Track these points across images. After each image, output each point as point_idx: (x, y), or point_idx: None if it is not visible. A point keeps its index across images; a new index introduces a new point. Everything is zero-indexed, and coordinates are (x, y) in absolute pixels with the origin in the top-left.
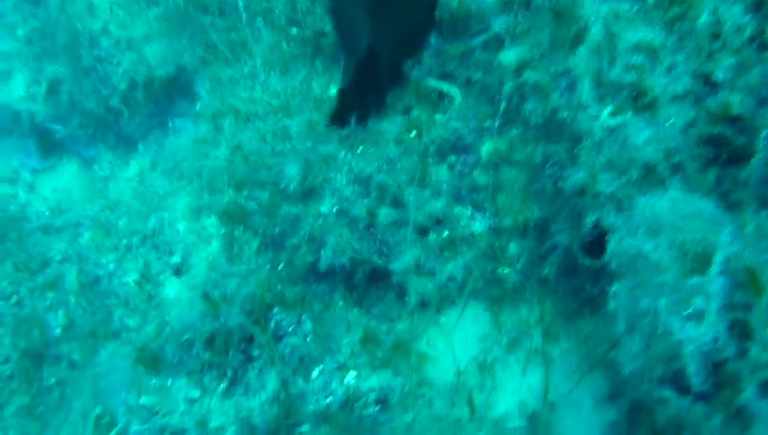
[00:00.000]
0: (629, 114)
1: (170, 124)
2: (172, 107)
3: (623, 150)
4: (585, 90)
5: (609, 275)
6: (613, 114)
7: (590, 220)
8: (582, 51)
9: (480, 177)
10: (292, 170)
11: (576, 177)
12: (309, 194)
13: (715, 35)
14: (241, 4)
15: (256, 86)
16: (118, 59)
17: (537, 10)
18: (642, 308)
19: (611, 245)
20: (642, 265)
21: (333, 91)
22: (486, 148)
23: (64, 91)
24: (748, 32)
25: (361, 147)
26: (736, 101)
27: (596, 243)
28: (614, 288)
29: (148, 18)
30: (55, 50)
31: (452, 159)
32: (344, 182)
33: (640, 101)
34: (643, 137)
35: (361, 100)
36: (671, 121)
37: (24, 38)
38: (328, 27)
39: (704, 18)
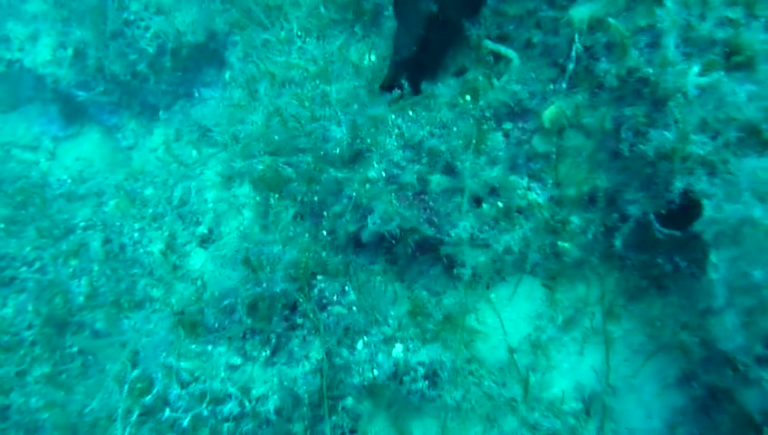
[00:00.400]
0: (722, 73)
1: (196, 94)
2: (200, 75)
3: (719, 110)
4: (671, 46)
5: (699, 245)
6: (703, 72)
7: (678, 186)
8: (669, 3)
9: (540, 144)
10: (339, 133)
11: (660, 140)
12: (355, 158)
13: None
14: None
15: (293, 51)
16: (147, 23)
17: None
18: (747, 281)
19: (707, 212)
20: (749, 233)
21: (373, 57)
22: (549, 113)
23: (91, 55)
24: None
25: (412, 110)
26: None
27: (677, 212)
28: (713, 259)
29: None
30: (83, 12)
31: (508, 125)
32: (394, 146)
33: (734, 58)
34: (743, 94)
35: (419, 66)
36: None
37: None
38: None
39: None
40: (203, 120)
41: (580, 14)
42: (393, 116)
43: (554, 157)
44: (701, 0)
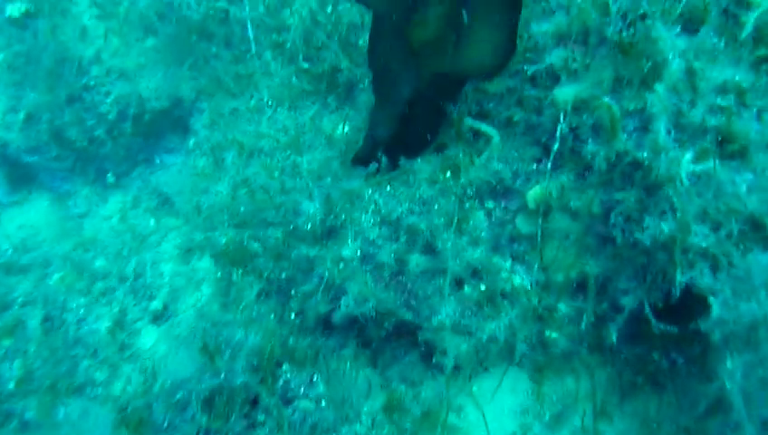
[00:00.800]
0: (716, 161)
1: (158, 160)
2: (162, 142)
3: (719, 200)
4: (662, 132)
5: (697, 341)
6: (696, 159)
7: (680, 280)
8: (660, 88)
9: (524, 225)
10: (311, 208)
11: (657, 228)
12: (328, 235)
13: None
14: (251, 35)
15: (263, 121)
16: (108, 88)
17: (598, 44)
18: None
19: (715, 311)
20: (766, 336)
21: (347, 129)
22: (533, 193)
23: (45, 120)
24: None
25: (390, 185)
26: None
27: (674, 305)
28: (729, 365)
29: (145, 47)
30: (39, 76)
31: (491, 204)
32: (370, 223)
33: (728, 146)
34: (744, 185)
35: (399, 144)
36: None
37: (5, 63)
38: (344, 63)
39: None
40: (163, 187)
41: (564, 94)
42: (370, 191)
43: (539, 239)
44: (690, 87)
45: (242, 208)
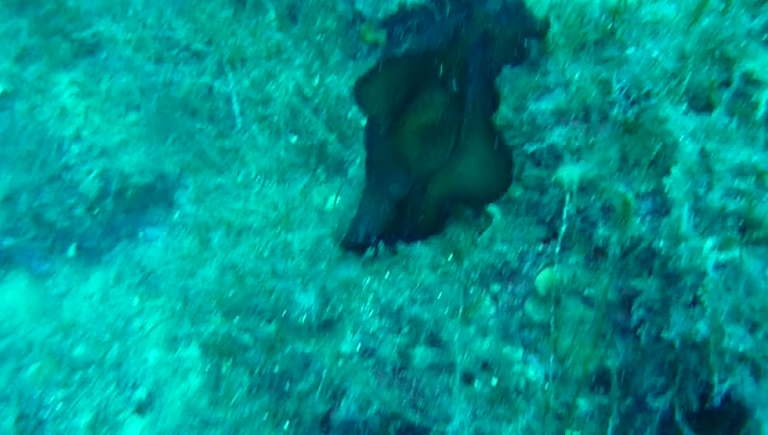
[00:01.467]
0: (741, 249)
1: (141, 235)
2: (145, 216)
3: (752, 297)
4: (680, 217)
5: None
6: (719, 248)
7: (719, 389)
8: (674, 171)
9: (535, 312)
10: (307, 300)
11: (686, 327)
12: (325, 327)
13: None
14: (236, 109)
15: (251, 196)
16: (89, 166)
17: (601, 122)
18: None
19: (765, 430)
20: None
21: (337, 202)
22: (543, 278)
23: (23, 201)
24: None
25: (389, 272)
26: None
27: (715, 410)
28: None
29: (127, 123)
30: (18, 157)
31: (496, 287)
32: (370, 314)
33: (752, 233)
34: None
35: (393, 231)
36: None
37: None
38: (332, 137)
39: None
40: (147, 262)
41: (569, 174)
42: (368, 279)
43: (552, 328)
44: (705, 169)
45: (231, 294)
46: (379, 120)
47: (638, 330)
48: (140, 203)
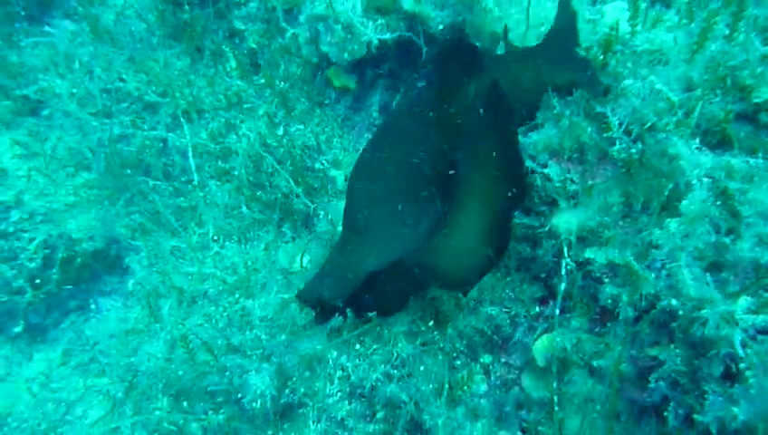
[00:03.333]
0: None
1: (93, 306)
2: (97, 285)
3: None
4: (698, 273)
5: None
6: (755, 310)
7: None
8: (690, 216)
9: (533, 388)
10: (261, 382)
11: (725, 409)
12: (285, 414)
13: None
14: (193, 164)
15: (207, 259)
16: (31, 234)
17: (599, 162)
18: None
19: None
20: None
21: (305, 261)
22: (541, 346)
23: None
24: None
25: (360, 343)
26: None
27: None
28: None
29: (75, 185)
30: None
31: (487, 358)
32: (337, 397)
33: None
34: None
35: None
36: None
37: None
38: (299, 189)
39: None
40: (99, 337)
41: (566, 223)
42: (335, 353)
43: (556, 407)
44: (729, 213)
45: (180, 372)
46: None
47: (663, 410)
48: (91, 271)
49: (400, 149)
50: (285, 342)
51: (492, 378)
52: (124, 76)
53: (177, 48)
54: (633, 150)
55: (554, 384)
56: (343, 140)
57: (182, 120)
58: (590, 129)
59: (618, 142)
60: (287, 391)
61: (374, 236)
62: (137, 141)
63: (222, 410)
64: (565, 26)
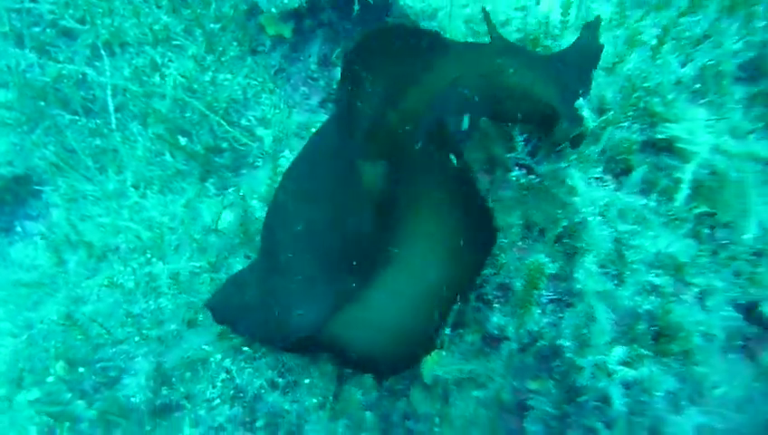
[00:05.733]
0: (652, 364)
1: (18, 229)
2: (22, 208)
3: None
4: (579, 314)
5: None
6: (628, 361)
7: None
8: (586, 260)
9: (420, 402)
10: (134, 382)
11: None
12: (161, 414)
13: (759, 251)
14: (111, 104)
15: (123, 210)
16: None
17: (504, 180)
18: None
19: None
20: None
21: (230, 219)
22: (430, 363)
23: None
24: None
25: (249, 347)
26: None
27: None
28: None
29: None
30: None
31: None
32: (219, 401)
33: (665, 344)
34: (692, 422)
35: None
36: (721, 391)
37: None
38: (225, 144)
39: (746, 230)
40: (26, 261)
41: None
42: (220, 355)
43: (436, 428)
44: (617, 255)
45: (76, 341)
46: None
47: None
48: (14, 196)
49: (311, 198)
50: (175, 332)
51: (380, 389)
52: None
53: None
54: (532, 177)
55: (437, 405)
56: (274, 96)
57: (103, 52)
58: (499, 144)
59: (517, 168)
60: (164, 390)
61: (298, 287)
62: (51, 71)
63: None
64: (584, 54)
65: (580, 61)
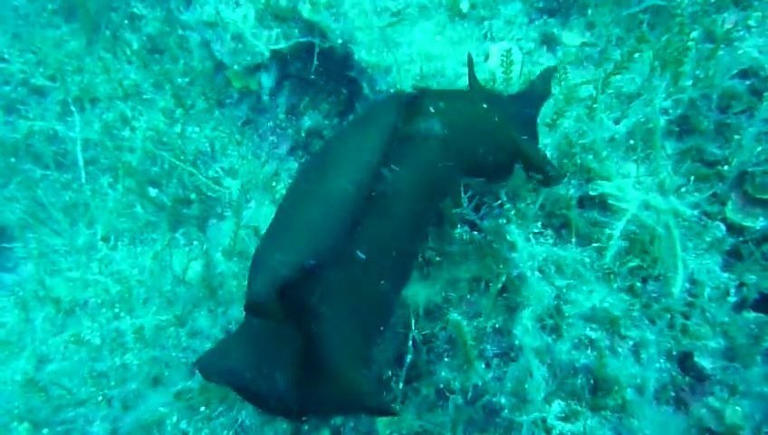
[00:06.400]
0: (589, 418)
1: None
2: None
3: None
4: (521, 368)
5: None
6: (564, 416)
7: None
8: (524, 315)
9: None
10: None
11: None
12: None
13: (690, 303)
14: (80, 158)
15: (92, 263)
16: None
17: (448, 237)
18: None
19: None
20: None
21: (198, 269)
22: (382, 425)
23: None
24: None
25: (206, 406)
26: (738, 416)
27: None
28: None
29: None
30: None
31: (338, 420)
32: None
33: (602, 398)
34: None
35: None
36: None
37: None
38: (193, 195)
39: (675, 283)
40: None
41: (413, 295)
42: (175, 417)
43: None
44: (555, 310)
45: (38, 401)
46: None
47: None
48: None
49: None
50: (136, 391)
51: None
52: (6, 56)
53: (70, 26)
54: (475, 233)
55: None
56: (241, 147)
57: (73, 108)
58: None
59: (460, 225)
60: None
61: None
62: (22, 128)
63: None
64: (531, 99)
65: (528, 104)
